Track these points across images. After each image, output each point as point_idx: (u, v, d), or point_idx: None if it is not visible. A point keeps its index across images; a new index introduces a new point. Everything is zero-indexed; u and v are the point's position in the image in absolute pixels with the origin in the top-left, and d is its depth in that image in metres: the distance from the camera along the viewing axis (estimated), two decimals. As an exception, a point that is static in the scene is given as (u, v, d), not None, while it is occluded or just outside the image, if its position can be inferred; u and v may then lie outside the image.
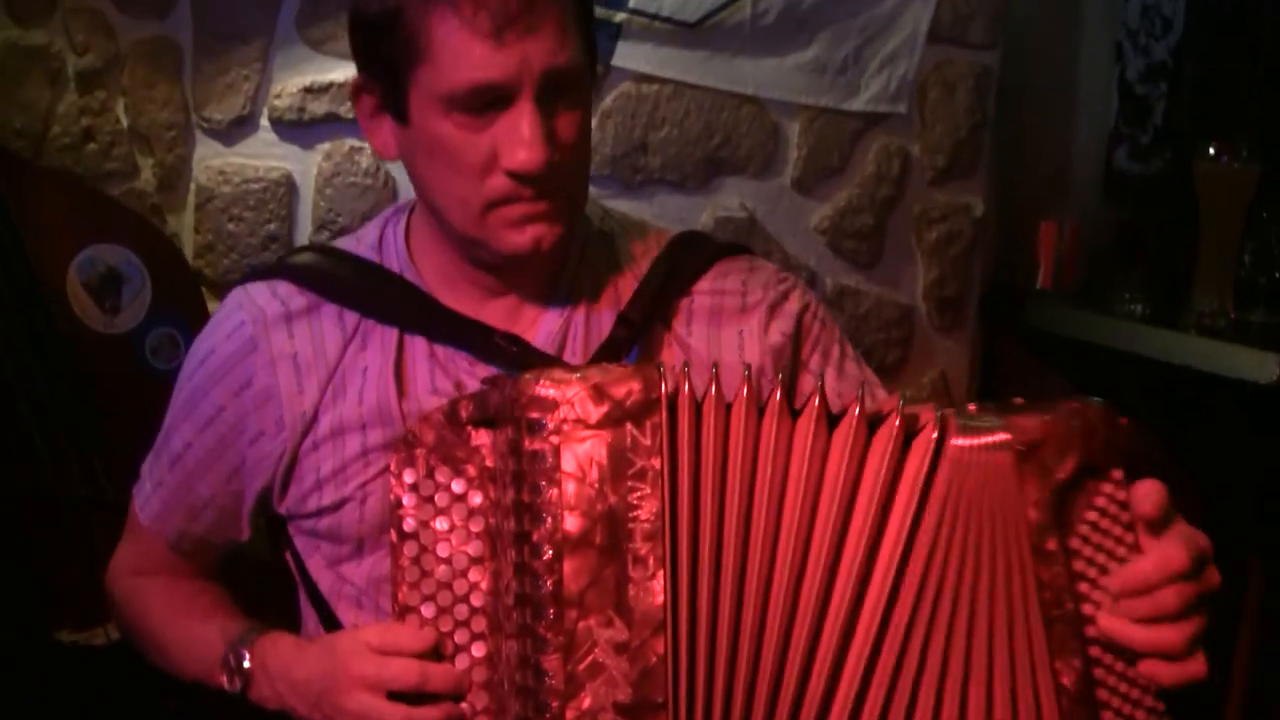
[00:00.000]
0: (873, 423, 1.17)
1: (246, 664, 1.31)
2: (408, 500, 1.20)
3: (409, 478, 1.20)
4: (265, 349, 1.36)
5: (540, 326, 1.38)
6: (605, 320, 1.39)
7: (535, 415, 1.15)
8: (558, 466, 1.15)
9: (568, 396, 1.15)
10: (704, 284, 1.43)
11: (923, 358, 2.63)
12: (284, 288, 1.38)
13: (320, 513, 1.36)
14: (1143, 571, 1.14)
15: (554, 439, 1.15)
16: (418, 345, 1.36)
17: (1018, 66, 2.70)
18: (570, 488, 1.14)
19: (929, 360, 2.64)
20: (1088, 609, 1.16)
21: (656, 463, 1.15)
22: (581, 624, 1.14)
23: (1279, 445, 2.50)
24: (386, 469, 1.24)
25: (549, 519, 1.14)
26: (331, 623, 1.39)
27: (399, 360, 1.35)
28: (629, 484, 1.15)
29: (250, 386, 1.36)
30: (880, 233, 2.55)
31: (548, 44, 1.23)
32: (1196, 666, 1.15)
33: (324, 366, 1.35)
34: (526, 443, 1.16)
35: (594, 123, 2.31)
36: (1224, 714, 2.66)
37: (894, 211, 2.56)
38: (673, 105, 2.38)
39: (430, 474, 1.20)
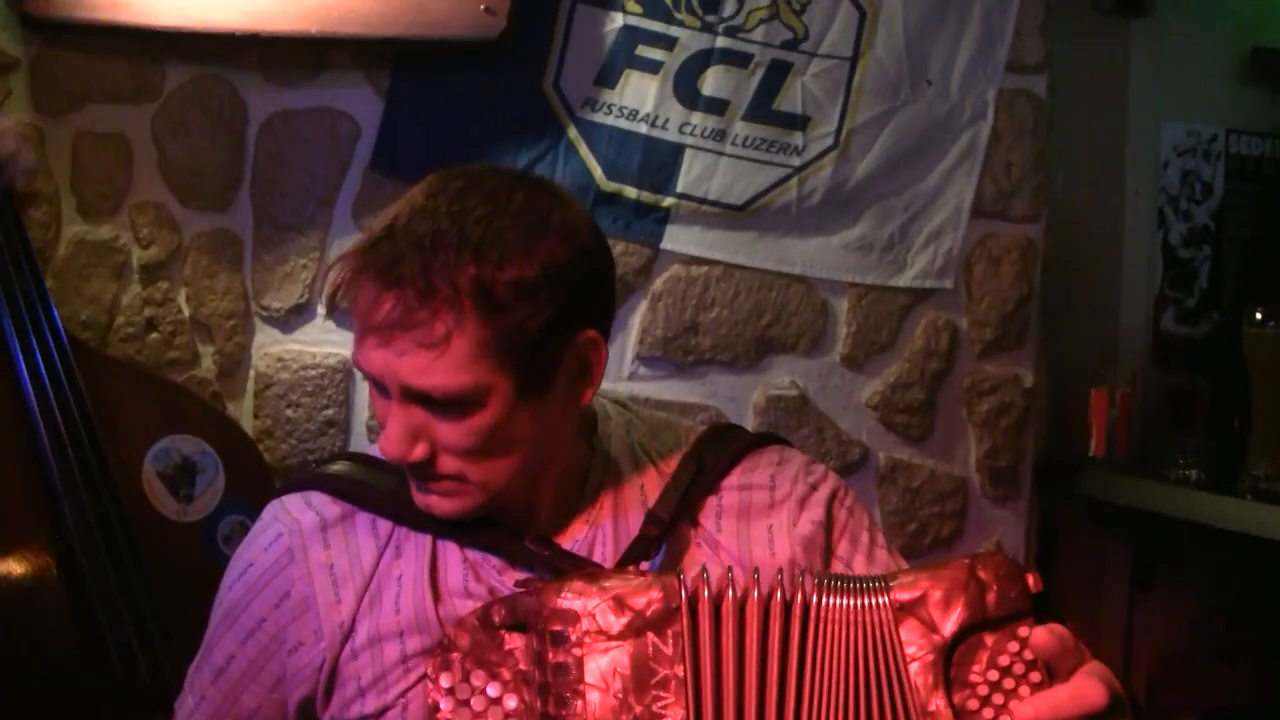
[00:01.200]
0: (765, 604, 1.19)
1: None
2: (445, 704, 1.21)
3: (445, 682, 1.21)
4: (302, 560, 1.37)
5: (569, 532, 1.39)
6: (634, 520, 1.39)
7: (558, 628, 1.17)
8: (581, 678, 1.16)
9: (589, 608, 1.17)
10: (732, 479, 1.43)
11: (979, 529, 2.62)
12: (318, 498, 1.40)
13: (365, 719, 1.37)
14: (1056, 699, 1.12)
15: (576, 651, 1.17)
16: (450, 551, 1.37)
17: (1062, 237, 2.73)
18: (595, 698, 1.16)
19: (985, 531, 2.63)
20: None
21: (680, 670, 1.16)
22: None
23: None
24: (426, 675, 1.25)
25: None
26: None
27: (433, 567, 1.36)
28: (653, 693, 1.16)
29: (289, 598, 1.37)
30: (931, 406, 2.58)
31: (415, 364, 1.23)
32: None
33: (360, 576, 1.36)
34: (550, 655, 1.17)
35: (644, 304, 2.36)
36: None
37: (944, 385, 2.58)
38: (722, 286, 2.43)
39: (466, 678, 1.21)
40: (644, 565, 1.33)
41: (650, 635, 1.17)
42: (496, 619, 1.22)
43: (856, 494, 1.50)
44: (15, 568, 1.90)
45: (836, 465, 2.49)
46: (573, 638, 1.17)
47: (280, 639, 1.38)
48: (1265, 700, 2.91)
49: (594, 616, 1.17)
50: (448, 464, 1.28)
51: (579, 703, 1.16)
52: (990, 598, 1.17)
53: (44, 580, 1.91)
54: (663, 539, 1.36)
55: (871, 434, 2.54)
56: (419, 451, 1.27)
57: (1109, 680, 1.13)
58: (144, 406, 2.06)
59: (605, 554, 1.37)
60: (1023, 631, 1.16)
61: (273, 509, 1.42)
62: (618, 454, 1.43)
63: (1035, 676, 1.16)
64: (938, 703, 1.15)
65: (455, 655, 1.21)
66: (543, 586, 1.20)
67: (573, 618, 1.17)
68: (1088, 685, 1.12)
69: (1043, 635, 1.14)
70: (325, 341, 2.28)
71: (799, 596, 1.19)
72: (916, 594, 1.17)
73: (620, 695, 1.16)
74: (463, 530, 1.36)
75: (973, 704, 1.16)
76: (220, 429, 2.11)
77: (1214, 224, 2.93)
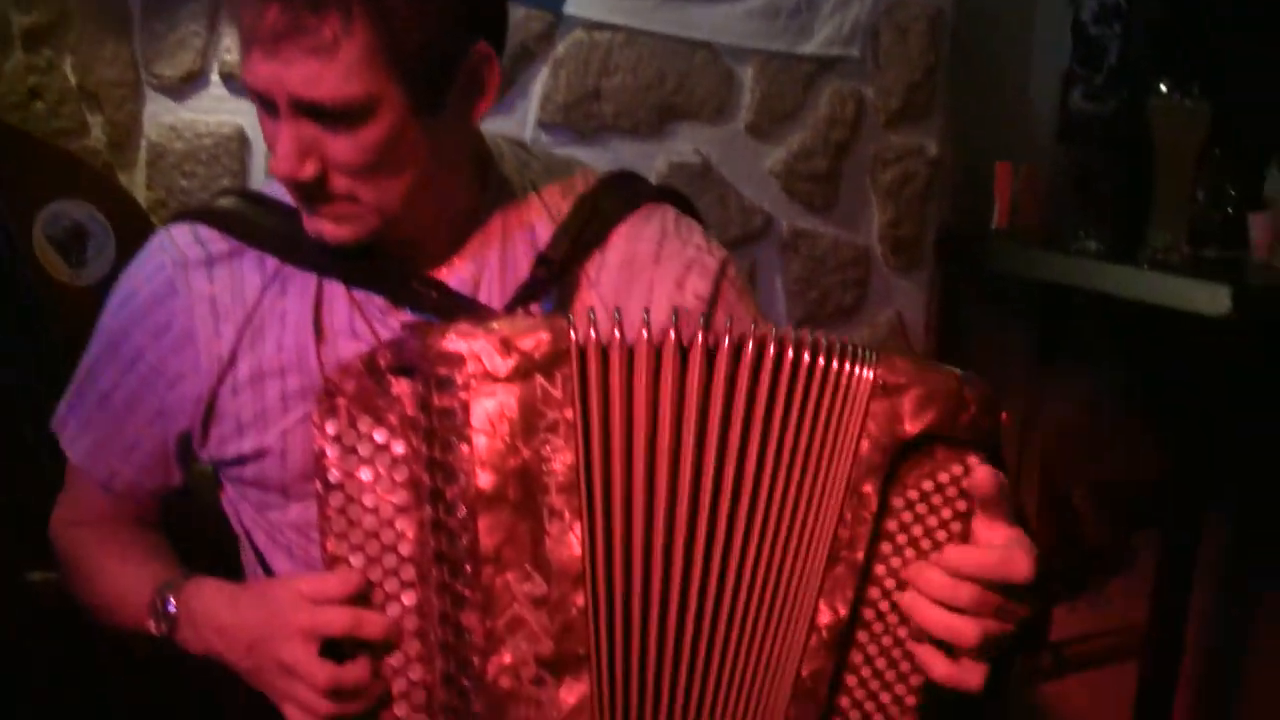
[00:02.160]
0: (736, 351, 1.18)
1: (172, 609, 1.31)
2: (331, 451, 1.18)
3: (331, 429, 1.19)
4: (185, 292, 1.35)
5: (455, 271, 1.37)
6: (523, 262, 1.37)
7: (443, 371, 1.15)
8: (468, 422, 1.14)
9: (475, 350, 1.15)
10: (623, 229, 1.42)
11: (880, 299, 2.64)
12: (205, 231, 1.37)
13: (243, 460, 1.37)
14: (973, 558, 1.14)
15: (463, 394, 1.15)
16: (335, 291, 1.35)
17: (972, 9, 2.70)
18: (481, 443, 1.14)
19: (886, 301, 2.65)
20: (880, 569, 1.17)
21: (569, 414, 1.15)
22: (499, 580, 1.14)
23: (1232, 376, 2.52)
24: (307, 417, 1.24)
25: (461, 476, 1.15)
26: (268, 572, 1.41)
27: (317, 306, 1.35)
28: (542, 436, 1.15)
29: (170, 330, 1.36)
30: (835, 175, 2.56)
31: (304, 72, 1.18)
32: (973, 677, 1.15)
33: (242, 311, 1.35)
34: (436, 399, 1.15)
35: (546, 71, 2.32)
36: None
37: (849, 154, 2.57)
38: (626, 52, 2.38)
39: (352, 424, 1.19)
40: (533, 308, 1.32)
41: (539, 378, 1.15)
42: (382, 363, 1.19)
43: (745, 276, 1.50)
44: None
45: (739, 233, 2.48)
46: (459, 381, 1.15)
47: (160, 371, 1.37)
48: (1158, 475, 2.98)
49: (480, 359, 1.15)
50: (339, 184, 1.25)
51: (465, 446, 1.14)
52: (964, 418, 1.16)
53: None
54: (552, 282, 1.34)
55: (775, 202, 2.52)
56: (309, 169, 1.24)
57: (1024, 553, 1.14)
58: (34, 172, 2.01)
59: (492, 296, 1.36)
60: (971, 460, 1.16)
61: (159, 238, 1.39)
62: (509, 193, 1.41)
63: (961, 505, 1.16)
64: (870, 487, 1.15)
65: (341, 401, 1.18)
66: (429, 329, 1.18)
67: (458, 361, 1.15)
68: (1019, 556, 1.13)
69: (987, 473, 1.14)
70: (220, 110, 2.21)
71: (698, 339, 1.17)
72: (900, 381, 1.16)
73: (507, 439, 1.14)
74: (349, 268, 1.34)
75: (898, 503, 1.17)
76: (111, 197, 2.06)
77: (1125, 2, 2.90)
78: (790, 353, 1.17)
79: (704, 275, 1.43)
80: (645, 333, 1.17)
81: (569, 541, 1.15)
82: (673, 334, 1.17)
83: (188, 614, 1.31)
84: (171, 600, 1.32)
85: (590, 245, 1.39)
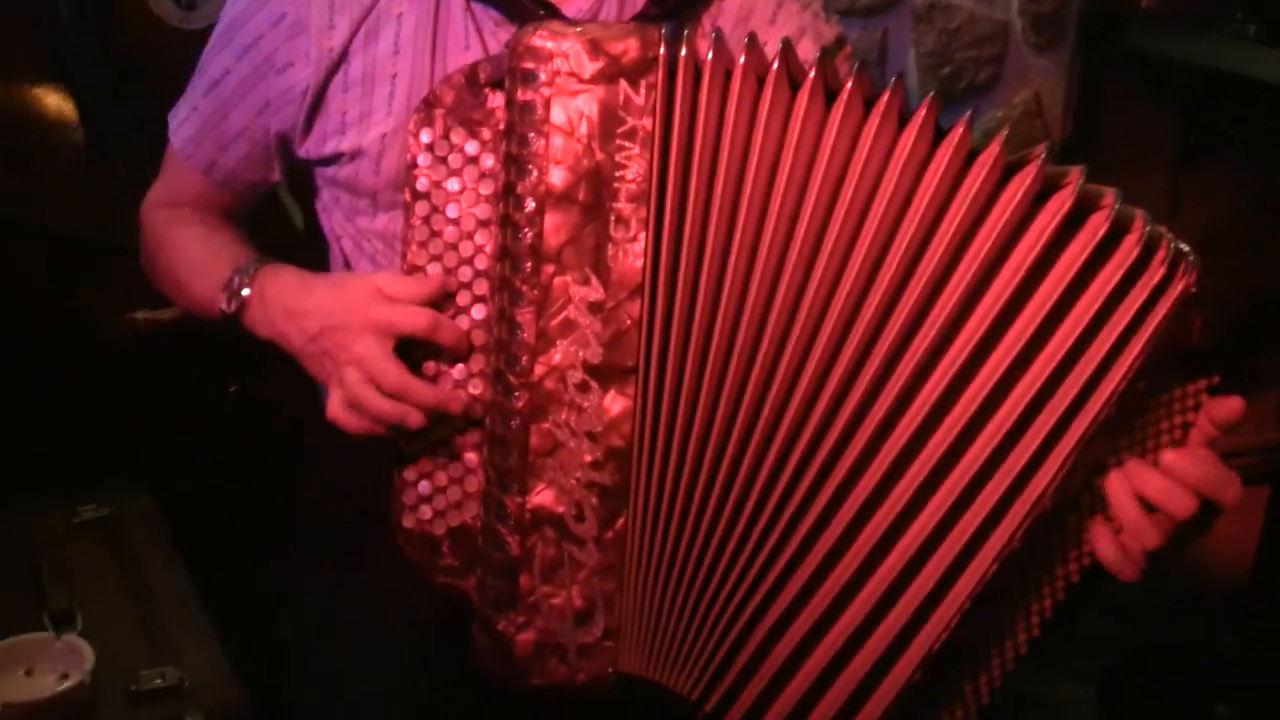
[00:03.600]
0: (869, 101, 1.11)
1: (246, 290, 1.32)
2: (423, 160, 1.20)
3: (426, 137, 1.20)
4: None
5: (574, 1, 1.35)
6: (641, 2, 1.35)
7: (529, 66, 1.13)
8: (546, 119, 1.13)
9: (563, 49, 1.12)
10: None
11: (1016, 78, 2.55)
12: None
13: (339, 158, 1.37)
14: (1193, 467, 1.07)
15: (545, 91, 1.13)
16: (455, 2, 1.34)
17: None
18: (558, 141, 1.13)
19: (1023, 81, 2.55)
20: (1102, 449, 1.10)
21: (648, 123, 1.12)
22: (558, 280, 1.13)
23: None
24: (407, 126, 1.23)
25: (534, 171, 1.13)
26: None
27: (435, 14, 1.34)
28: (618, 143, 1.12)
29: (285, 18, 1.35)
30: (978, -58, 2.45)
31: None
32: (1130, 571, 1.10)
33: (359, 7, 1.33)
34: (519, 94, 1.13)
35: None
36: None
37: (992, -80, 2.45)
38: None
39: (446, 135, 1.20)
40: None
41: (623, 83, 1.12)
42: (482, 76, 1.19)
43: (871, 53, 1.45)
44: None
45: (871, 1, 2.39)
46: (542, 77, 1.13)
47: (272, 59, 1.36)
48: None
49: (567, 57, 1.12)
50: None
51: (541, 142, 1.13)
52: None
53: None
54: (665, 17, 1.31)
55: (911, -31, 2.42)
56: None
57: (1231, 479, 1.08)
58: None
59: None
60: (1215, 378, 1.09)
61: None
62: None
63: (1192, 417, 1.09)
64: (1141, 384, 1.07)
65: (439, 111, 1.20)
66: (521, 27, 1.16)
67: (545, 56, 1.13)
68: (1235, 479, 1.07)
69: (1235, 399, 1.08)
70: None
71: (813, 74, 1.10)
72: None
73: (585, 140, 1.13)
74: None
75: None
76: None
77: None
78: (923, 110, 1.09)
79: (816, 42, 1.38)
80: (745, 58, 1.11)
81: (632, 251, 1.13)
82: (778, 64, 1.11)
83: (259, 295, 1.31)
84: (246, 281, 1.32)
85: None
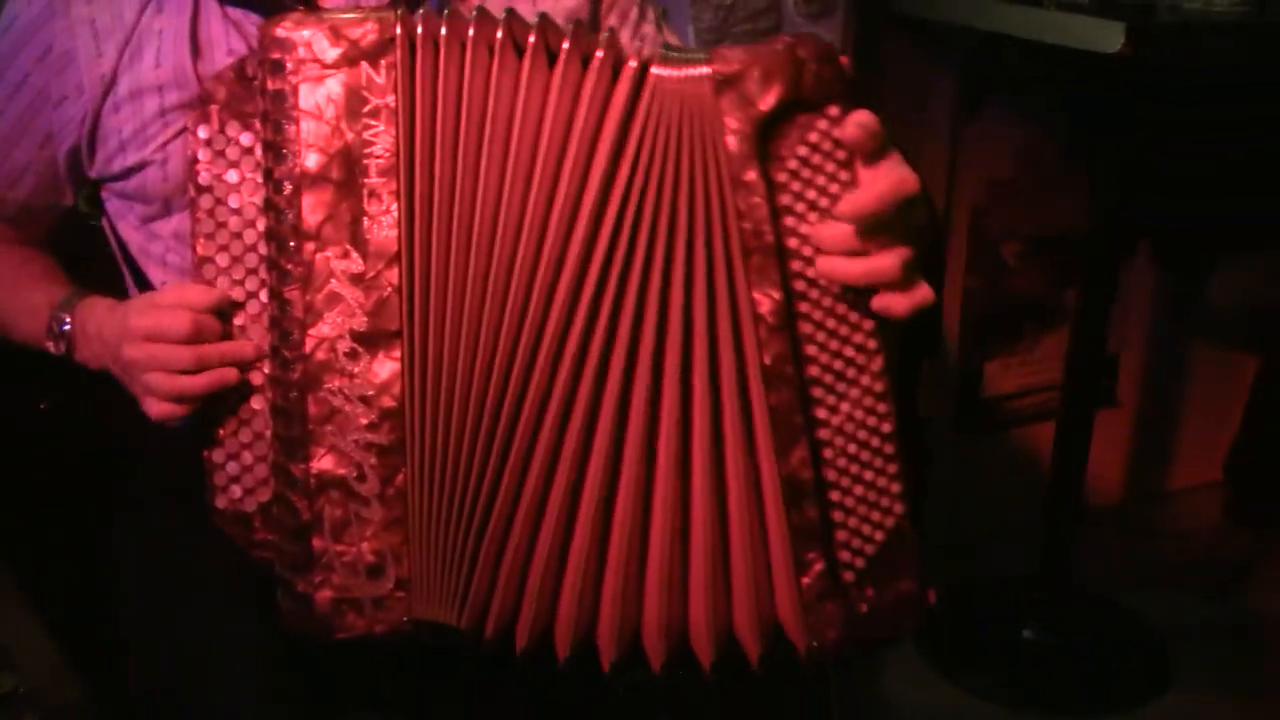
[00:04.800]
0: (585, 59, 1.19)
1: (67, 327, 1.39)
2: (203, 155, 1.26)
3: (204, 133, 1.26)
4: (64, 14, 1.39)
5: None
6: None
7: (276, 56, 1.20)
8: (296, 105, 1.20)
9: (305, 38, 1.20)
10: None
11: (793, 51, 2.60)
12: None
13: (127, 174, 1.42)
14: (876, 189, 1.14)
15: (293, 79, 1.20)
16: (211, 8, 1.40)
17: None
18: (309, 125, 1.20)
19: (801, 53, 2.61)
20: (794, 243, 1.19)
21: (391, 100, 1.19)
22: (319, 256, 1.20)
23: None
24: (185, 129, 1.30)
25: (289, 156, 1.20)
26: (144, 284, 1.47)
27: (194, 23, 1.39)
28: (365, 121, 1.20)
29: (52, 52, 1.40)
30: (744, -82, 2.53)
31: None
32: (922, 292, 1.17)
33: (121, 30, 1.39)
34: (269, 84, 1.21)
35: None
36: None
37: (758, -106, 2.53)
38: None
39: (222, 129, 1.26)
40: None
41: (364, 65, 1.20)
42: (250, 70, 1.26)
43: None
44: None
45: (647, -21, 2.44)
46: (289, 65, 1.20)
47: (45, 94, 1.41)
48: (1084, 226, 3.00)
49: (310, 45, 1.20)
50: None
51: (293, 128, 1.20)
52: (808, 77, 1.17)
53: None
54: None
55: (685, -49, 2.49)
56: None
57: (903, 173, 1.15)
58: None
59: None
60: (832, 111, 1.18)
61: None
62: None
63: (841, 155, 1.18)
64: (751, 174, 1.17)
65: (213, 108, 1.26)
66: (266, 21, 1.23)
67: (290, 46, 1.20)
68: (903, 171, 1.14)
69: (853, 117, 1.15)
70: None
71: (533, 38, 1.19)
72: (736, 69, 1.17)
73: (333, 122, 1.20)
74: None
75: (782, 177, 1.18)
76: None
77: None
78: (633, 62, 1.18)
79: (616, 15, 1.47)
80: (473, 30, 1.19)
81: (386, 222, 1.20)
82: (501, 32, 1.19)
83: (81, 332, 1.38)
84: (66, 319, 1.39)
85: None
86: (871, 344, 1.21)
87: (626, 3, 1.51)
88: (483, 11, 1.20)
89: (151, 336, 1.26)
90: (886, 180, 1.14)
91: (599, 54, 1.18)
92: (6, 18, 1.44)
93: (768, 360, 1.19)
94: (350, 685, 1.37)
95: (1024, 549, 2.87)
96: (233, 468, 1.29)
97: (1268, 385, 3.32)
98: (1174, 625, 2.92)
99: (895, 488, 1.24)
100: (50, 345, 1.40)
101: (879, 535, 1.24)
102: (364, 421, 1.22)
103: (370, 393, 1.22)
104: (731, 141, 1.17)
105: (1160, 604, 2.99)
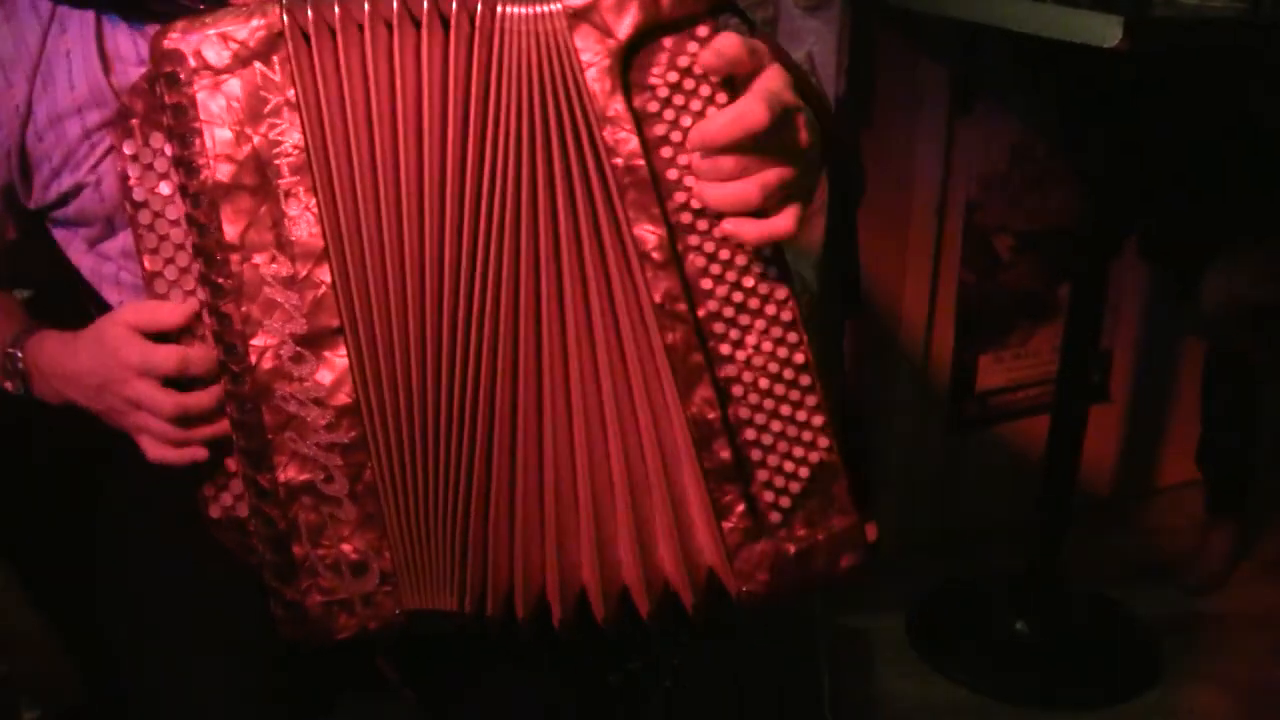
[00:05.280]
0: (444, 19, 1.16)
1: (21, 365, 1.38)
2: (132, 171, 1.24)
3: (128, 149, 1.24)
4: None
5: None
6: None
7: (170, 69, 1.18)
8: (198, 116, 1.18)
9: (193, 46, 1.18)
10: None
11: (789, 40, 2.58)
12: None
13: (64, 199, 1.41)
14: (710, 128, 1.09)
15: (189, 90, 1.18)
16: (116, 21, 1.38)
17: None
18: (214, 134, 1.18)
19: (796, 41, 2.60)
20: (673, 174, 1.14)
21: (292, 95, 1.17)
22: (247, 266, 1.19)
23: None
24: (113, 147, 1.27)
25: (201, 169, 1.18)
26: (102, 306, 1.45)
27: (99, 39, 1.37)
28: (269, 121, 1.18)
29: None
30: (740, -91, 2.50)
31: None
32: (782, 223, 1.11)
33: (27, 57, 1.37)
34: (167, 98, 1.19)
35: None
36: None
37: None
38: None
39: (146, 142, 1.23)
40: None
41: (257, 64, 1.18)
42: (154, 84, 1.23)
43: None
44: None
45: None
46: (182, 77, 1.18)
47: None
48: (1076, 223, 2.98)
49: (199, 53, 1.18)
50: None
51: (198, 140, 1.18)
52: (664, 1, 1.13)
53: None
54: None
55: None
56: None
57: (778, 93, 1.10)
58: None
59: None
60: (701, 32, 1.13)
61: None
62: None
63: (716, 79, 1.13)
64: (616, 107, 1.13)
65: (134, 122, 1.23)
66: (154, 33, 1.21)
67: (179, 58, 1.18)
68: (752, 106, 1.07)
69: (719, 39, 1.10)
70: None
71: (427, 5, 1.15)
72: (588, 0, 1.13)
73: (238, 127, 1.18)
74: (124, 5, 1.36)
75: (653, 106, 1.14)
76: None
77: None
78: (479, 5, 1.14)
79: None
80: (369, 7, 1.16)
81: (306, 220, 1.18)
82: (397, 6, 1.16)
83: (35, 368, 1.37)
84: (18, 357, 1.38)
85: None
86: (773, 271, 1.16)
87: None
88: None
89: (146, 371, 1.25)
90: (728, 112, 1.08)
91: (453, 6, 1.14)
92: None
93: (658, 298, 1.15)
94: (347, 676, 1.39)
95: (1015, 543, 2.84)
96: (219, 477, 1.29)
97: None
98: (1164, 619, 2.91)
99: (817, 420, 1.18)
100: (8, 385, 1.39)
101: (803, 471, 1.19)
102: (322, 423, 1.21)
103: (322, 394, 1.21)
104: (592, 75, 1.13)
105: (1150, 598, 2.98)
